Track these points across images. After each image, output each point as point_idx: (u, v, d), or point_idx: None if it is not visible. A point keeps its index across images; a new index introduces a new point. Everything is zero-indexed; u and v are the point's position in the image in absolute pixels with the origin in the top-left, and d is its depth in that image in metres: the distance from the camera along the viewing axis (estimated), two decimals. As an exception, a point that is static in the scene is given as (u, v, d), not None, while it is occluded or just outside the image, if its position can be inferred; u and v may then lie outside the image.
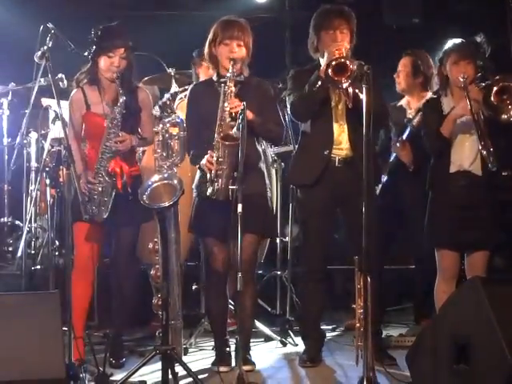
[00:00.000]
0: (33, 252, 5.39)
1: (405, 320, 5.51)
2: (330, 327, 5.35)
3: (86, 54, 4.44)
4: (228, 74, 4.20)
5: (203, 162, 4.19)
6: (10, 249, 5.61)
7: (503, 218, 4.54)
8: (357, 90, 4.09)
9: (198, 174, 4.37)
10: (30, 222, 5.31)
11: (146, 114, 4.57)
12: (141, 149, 4.99)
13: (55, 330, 3.62)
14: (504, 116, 4.15)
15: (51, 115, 4.63)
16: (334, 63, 4.12)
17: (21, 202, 5.58)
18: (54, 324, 3.63)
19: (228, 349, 4.42)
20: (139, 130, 4.54)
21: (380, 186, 4.97)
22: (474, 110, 4.18)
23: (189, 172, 4.71)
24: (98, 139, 4.39)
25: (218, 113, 4.18)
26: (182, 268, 4.62)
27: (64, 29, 4.57)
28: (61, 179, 4.97)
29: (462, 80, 4.24)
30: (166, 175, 4.10)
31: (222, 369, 4.20)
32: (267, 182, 4.39)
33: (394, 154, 5.11)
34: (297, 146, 4.67)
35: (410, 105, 5.21)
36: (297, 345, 4.87)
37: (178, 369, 3.85)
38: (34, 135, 5.58)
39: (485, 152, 4.16)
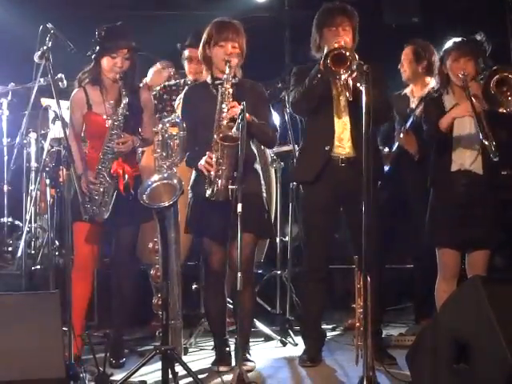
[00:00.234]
0: (33, 252, 5.40)
1: (405, 319, 5.51)
2: (330, 327, 5.34)
3: (88, 53, 4.43)
4: (224, 76, 4.18)
5: (201, 163, 4.18)
6: (10, 249, 5.61)
7: (504, 217, 4.54)
8: (358, 84, 4.05)
9: (194, 174, 4.35)
10: (30, 222, 5.32)
11: (148, 115, 4.57)
12: (140, 149, 4.99)
13: (55, 330, 3.63)
14: (504, 108, 4.14)
15: (51, 115, 4.61)
16: (333, 53, 4.10)
17: (21, 202, 5.59)
18: (54, 324, 3.63)
19: (228, 348, 4.41)
20: (139, 130, 4.55)
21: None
22: (475, 110, 4.17)
23: (188, 172, 4.71)
24: (98, 139, 4.39)
25: (215, 114, 4.17)
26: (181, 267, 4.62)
27: (63, 29, 4.58)
28: (61, 179, 4.96)
29: (461, 77, 4.23)
30: (165, 175, 4.10)
31: (221, 368, 4.22)
32: (262, 182, 4.38)
33: (396, 144, 5.11)
34: (300, 144, 4.64)
35: (414, 93, 5.23)
36: (297, 344, 4.86)
37: (178, 369, 3.85)
38: (33, 135, 5.59)
39: (487, 142, 4.12)
